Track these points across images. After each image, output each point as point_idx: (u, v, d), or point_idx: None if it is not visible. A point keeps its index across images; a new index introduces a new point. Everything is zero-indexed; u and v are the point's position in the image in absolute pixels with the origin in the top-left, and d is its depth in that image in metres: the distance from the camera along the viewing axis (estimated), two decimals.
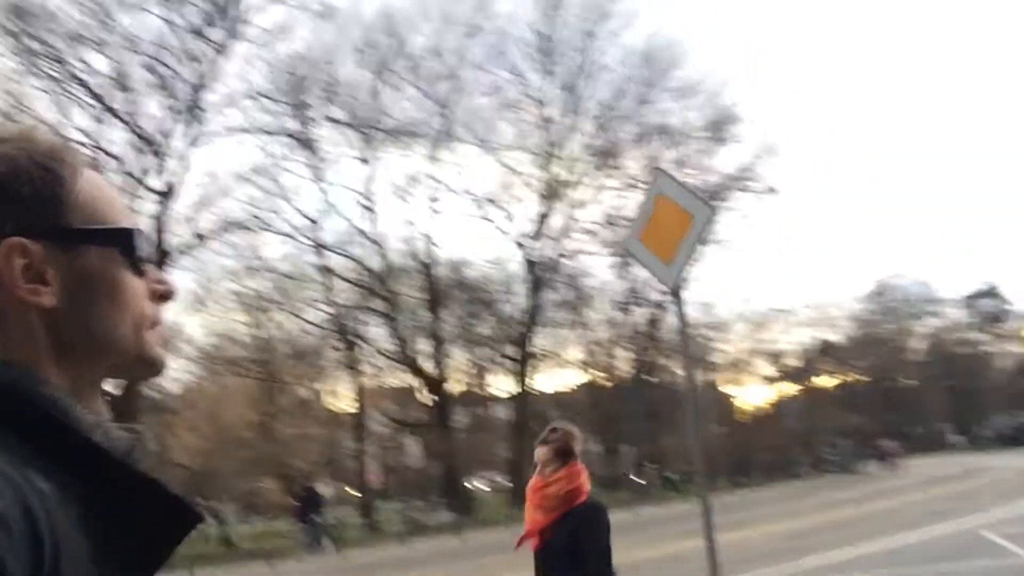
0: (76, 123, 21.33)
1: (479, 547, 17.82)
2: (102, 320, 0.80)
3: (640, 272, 33.30)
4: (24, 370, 0.75)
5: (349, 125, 26.73)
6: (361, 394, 30.49)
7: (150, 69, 21.79)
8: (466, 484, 30.40)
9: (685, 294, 5.49)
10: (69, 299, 0.78)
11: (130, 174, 21.75)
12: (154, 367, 0.85)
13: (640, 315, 33.91)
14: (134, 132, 21.87)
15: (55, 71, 20.64)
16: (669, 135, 30.91)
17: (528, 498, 3.49)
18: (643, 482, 32.01)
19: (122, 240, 0.82)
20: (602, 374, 35.41)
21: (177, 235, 23.07)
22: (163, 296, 0.86)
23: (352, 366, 29.96)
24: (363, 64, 27.04)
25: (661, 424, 33.52)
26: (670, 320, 34.60)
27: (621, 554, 3.44)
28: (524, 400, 30.77)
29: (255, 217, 25.26)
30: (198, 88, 22.62)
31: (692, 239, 5.42)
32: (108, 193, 0.84)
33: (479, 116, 29.62)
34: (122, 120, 21.75)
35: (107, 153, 21.26)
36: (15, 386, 0.73)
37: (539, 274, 30.33)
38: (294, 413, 30.26)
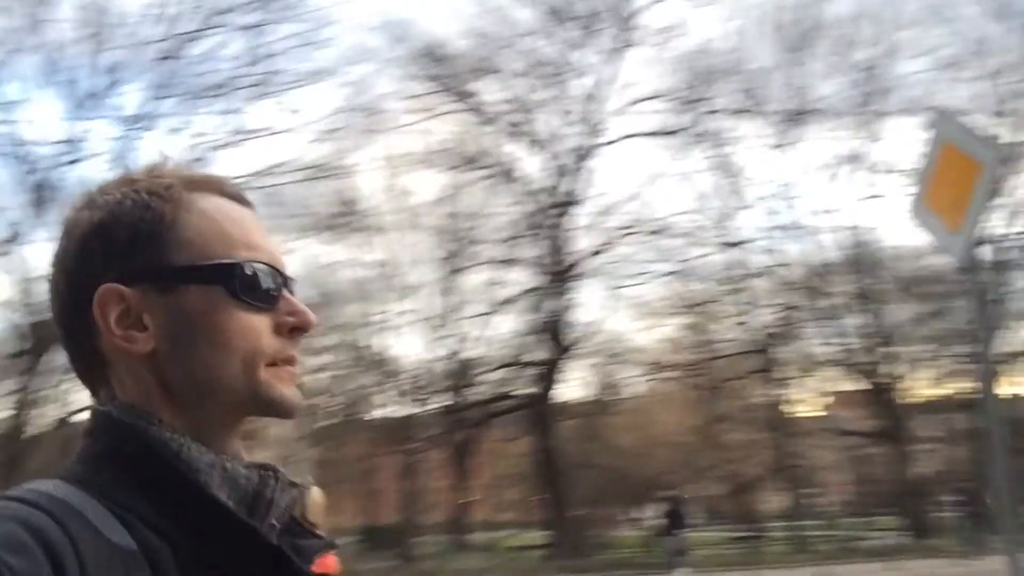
0: (489, 148, 23.56)
1: None
2: (202, 361, 0.78)
3: None
4: (137, 410, 0.76)
5: (759, 112, 25.38)
6: (803, 399, 28.69)
7: (546, 86, 23.20)
8: (925, 503, 26.72)
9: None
10: (169, 342, 0.78)
11: (536, 189, 23.35)
12: (274, 407, 0.80)
13: None
14: (537, 149, 23.47)
15: (462, 103, 23.09)
16: None
17: None
18: None
19: (225, 276, 0.78)
20: None
21: (586, 244, 24.03)
22: (294, 329, 0.82)
23: (789, 370, 28.32)
24: (773, 45, 25.45)
25: None
26: None
27: None
28: (1003, 407, 26.01)
29: (664, 219, 25.23)
30: (594, 97, 23.44)
31: (982, 192, 4.08)
32: (223, 225, 0.81)
33: (910, 83, 26.01)
34: (525, 139, 23.51)
35: (514, 173, 23.15)
36: (128, 426, 0.75)
37: (1009, 257, 25.53)
38: (735, 418, 29.52)
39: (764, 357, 28.71)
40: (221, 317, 0.78)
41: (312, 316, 0.82)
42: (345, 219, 22.46)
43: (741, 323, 27.73)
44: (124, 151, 18.97)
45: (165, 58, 18.57)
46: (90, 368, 0.81)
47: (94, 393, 0.81)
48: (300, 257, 26.93)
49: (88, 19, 17.97)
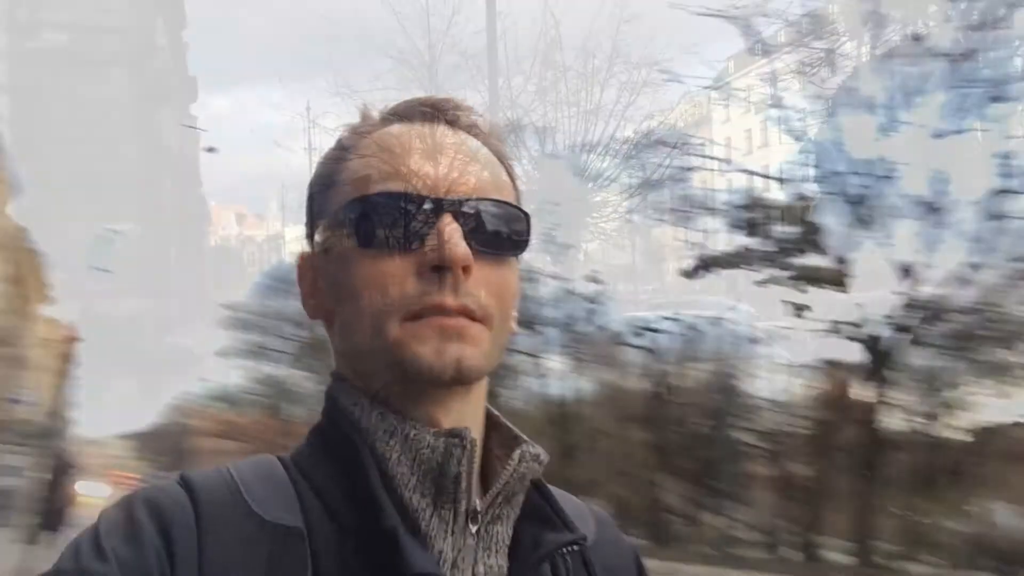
0: None
1: None
2: (346, 323, 0.70)
3: None
4: (338, 378, 0.72)
5: None
6: None
7: None
8: None
9: None
10: (332, 304, 0.71)
11: None
12: (409, 373, 0.65)
13: None
14: None
15: None
16: None
17: None
18: None
19: (345, 219, 0.69)
20: None
21: None
22: (435, 268, 0.66)
23: None
24: None
25: None
26: None
27: None
28: None
29: None
30: None
31: None
32: (371, 159, 0.70)
33: None
34: None
35: None
36: (328, 395, 0.72)
37: None
38: None
39: None
40: (351, 268, 0.68)
41: (450, 249, 0.64)
42: None
43: None
44: None
45: None
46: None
47: None
48: None
49: None
